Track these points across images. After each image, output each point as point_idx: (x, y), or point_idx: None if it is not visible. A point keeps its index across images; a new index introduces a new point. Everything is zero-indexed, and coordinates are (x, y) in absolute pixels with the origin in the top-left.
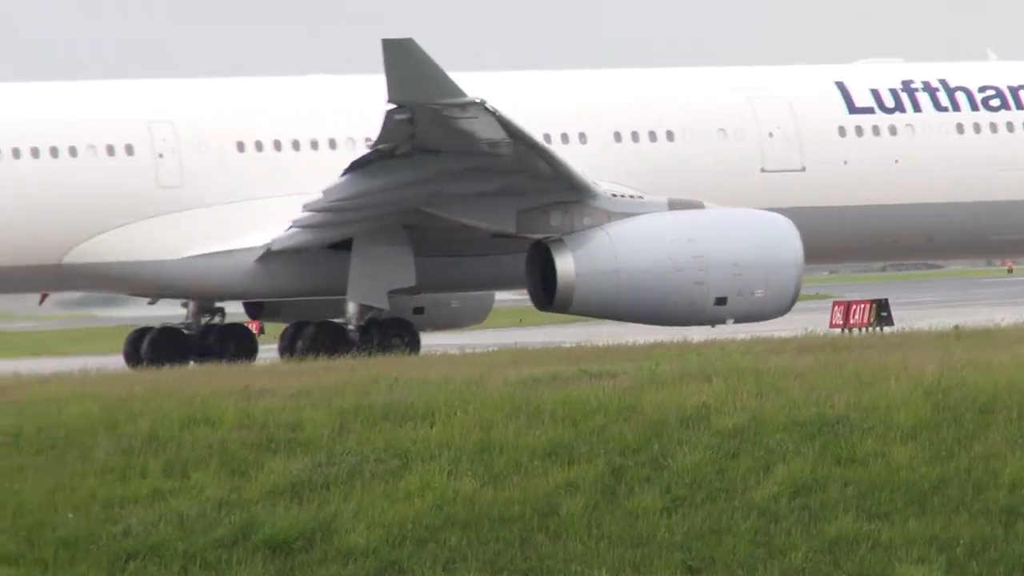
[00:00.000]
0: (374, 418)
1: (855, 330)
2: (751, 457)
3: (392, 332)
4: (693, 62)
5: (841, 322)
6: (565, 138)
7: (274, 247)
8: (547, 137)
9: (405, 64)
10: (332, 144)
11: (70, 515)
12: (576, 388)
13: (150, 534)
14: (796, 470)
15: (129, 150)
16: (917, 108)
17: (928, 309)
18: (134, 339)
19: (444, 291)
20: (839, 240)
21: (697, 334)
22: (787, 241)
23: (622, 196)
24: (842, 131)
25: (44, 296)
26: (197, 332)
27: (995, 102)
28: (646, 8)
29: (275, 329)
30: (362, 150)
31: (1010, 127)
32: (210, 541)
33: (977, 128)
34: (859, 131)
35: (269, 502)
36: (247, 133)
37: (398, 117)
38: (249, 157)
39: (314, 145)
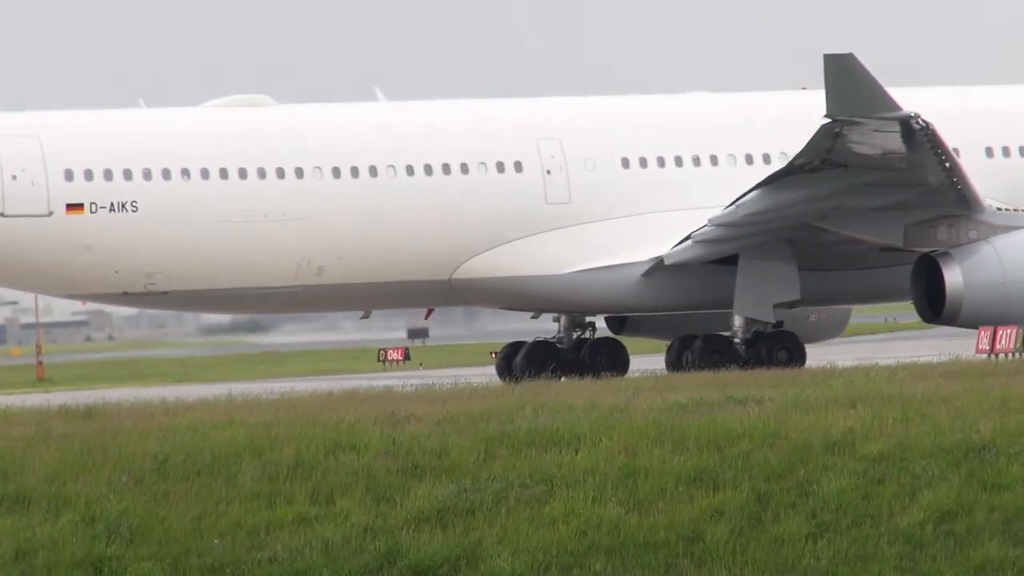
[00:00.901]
0: (519, 444)
1: (1002, 356)
2: (896, 483)
3: (779, 345)
4: None
5: (988, 347)
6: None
7: (667, 261)
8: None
9: (845, 79)
10: (713, 160)
11: (216, 541)
12: (721, 414)
13: (295, 560)
14: (942, 496)
15: (518, 167)
16: None
17: None
18: (508, 353)
19: (825, 304)
20: None
21: (845, 359)
22: None
23: (1006, 209)
24: None
25: (430, 311)
26: (569, 346)
27: None
28: None
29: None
30: (741, 166)
31: None
32: (355, 567)
33: None
34: None
35: (414, 528)
36: (632, 149)
37: (836, 131)
38: (634, 173)
39: (696, 161)
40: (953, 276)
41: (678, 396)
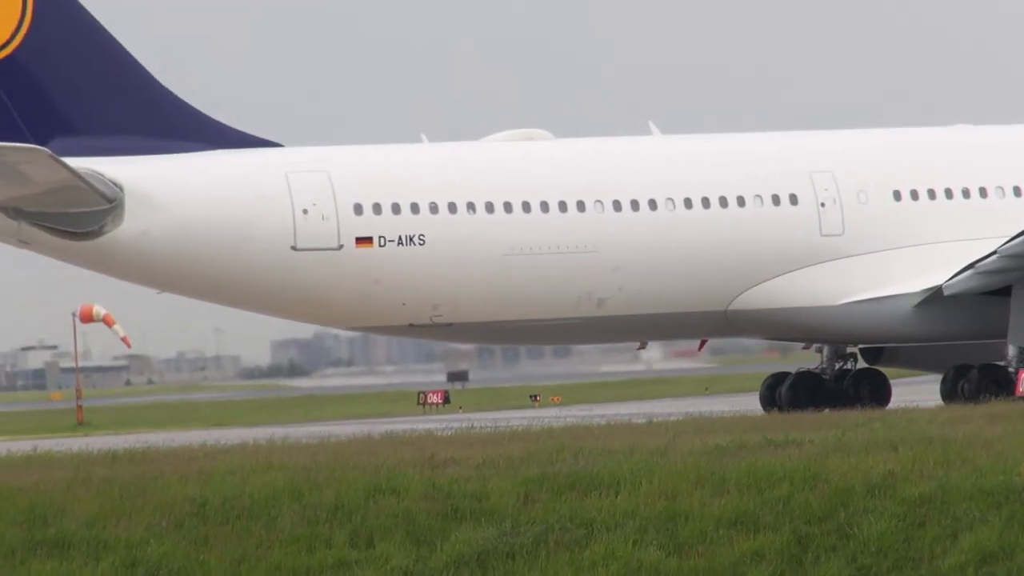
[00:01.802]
0: (559, 487)
1: None
2: (938, 525)
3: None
4: None
5: None
6: None
7: (946, 291)
8: None
9: None
10: (982, 193)
11: None
12: (761, 457)
13: None
14: (983, 538)
15: (793, 200)
16: None
17: None
18: (771, 384)
19: None
20: None
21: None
22: None
23: None
24: None
25: (703, 343)
26: (832, 377)
27: None
28: None
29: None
30: (1009, 198)
31: None
32: None
33: None
34: None
35: (454, 571)
36: (902, 182)
37: None
38: (905, 205)
39: (965, 193)
40: None
41: (718, 439)
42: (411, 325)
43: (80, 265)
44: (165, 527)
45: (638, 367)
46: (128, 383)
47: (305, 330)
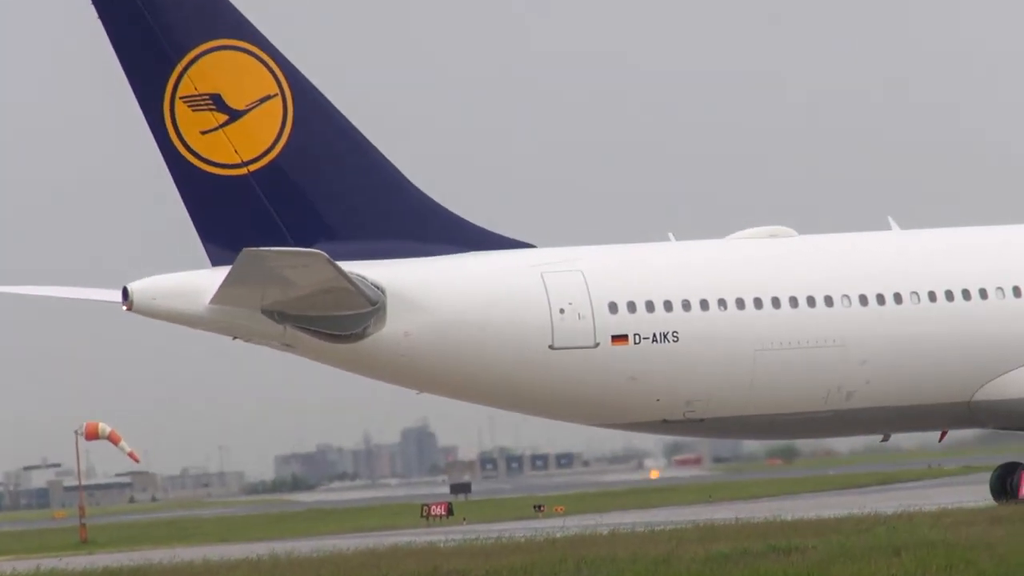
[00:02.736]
0: None
1: None
2: None
3: None
4: None
5: None
6: None
7: None
8: None
9: None
10: None
11: None
12: (764, 564)
13: None
14: None
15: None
16: None
17: None
18: (1000, 475)
19: None
20: None
21: (887, 506)
22: None
23: None
24: None
25: (944, 434)
26: None
27: None
28: None
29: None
30: None
31: None
32: None
33: None
34: None
35: None
36: None
37: None
38: None
39: None
40: None
41: (720, 546)
42: (664, 421)
43: (341, 367)
44: None
45: (639, 476)
46: (132, 500)
47: (308, 444)
